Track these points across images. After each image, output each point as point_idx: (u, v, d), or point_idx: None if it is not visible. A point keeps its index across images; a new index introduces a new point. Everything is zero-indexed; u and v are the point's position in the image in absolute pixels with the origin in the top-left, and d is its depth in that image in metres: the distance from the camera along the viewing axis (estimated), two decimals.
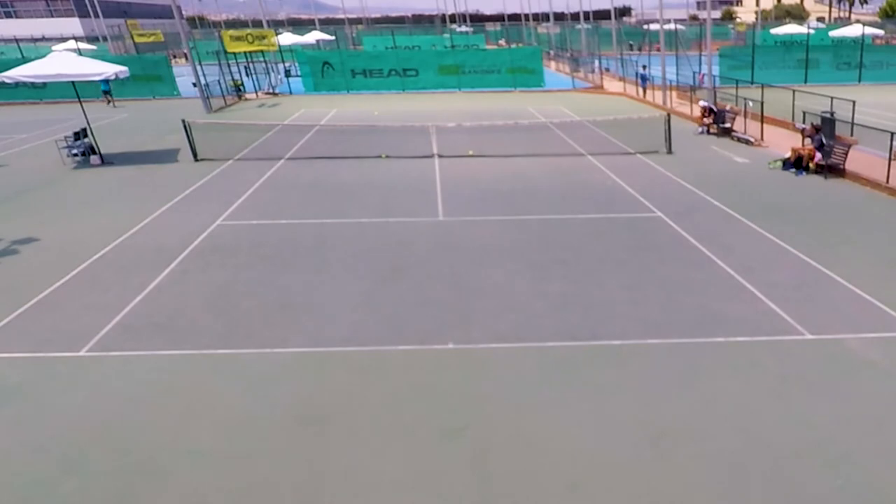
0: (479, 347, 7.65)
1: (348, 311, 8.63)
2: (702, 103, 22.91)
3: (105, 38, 58.28)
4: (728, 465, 5.63)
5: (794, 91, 20.97)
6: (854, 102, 18.60)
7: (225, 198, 14.08)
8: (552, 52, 52.13)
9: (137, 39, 56.44)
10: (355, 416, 6.39)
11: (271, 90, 35.54)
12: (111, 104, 30.10)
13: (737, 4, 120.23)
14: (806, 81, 31.93)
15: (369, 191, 14.69)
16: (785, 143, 17.23)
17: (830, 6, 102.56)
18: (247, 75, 35.67)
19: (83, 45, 46.71)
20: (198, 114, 25.06)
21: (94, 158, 17.73)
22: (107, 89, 29.62)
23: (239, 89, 33.53)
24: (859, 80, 33.24)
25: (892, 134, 14.56)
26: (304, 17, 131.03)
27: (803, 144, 16.21)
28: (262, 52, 35.49)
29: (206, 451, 5.88)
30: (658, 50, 30.83)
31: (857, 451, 5.82)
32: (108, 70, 17.84)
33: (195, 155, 17.91)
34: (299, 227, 12.15)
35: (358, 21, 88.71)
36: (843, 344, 7.66)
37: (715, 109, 21.83)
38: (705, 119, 21.70)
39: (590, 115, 22.85)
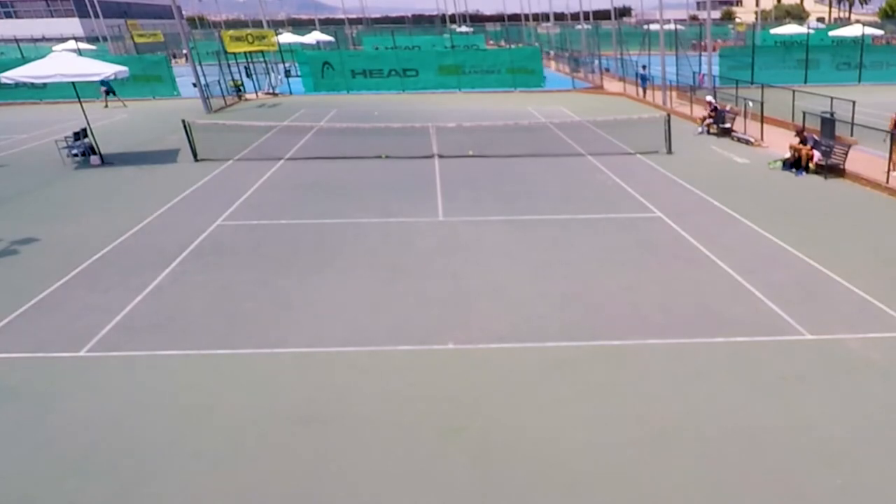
0: (479, 347, 7.65)
1: (348, 311, 8.63)
2: (708, 98, 22.92)
3: (105, 39, 58.29)
4: (728, 465, 5.63)
5: (794, 91, 20.96)
6: (854, 102, 18.60)
7: (225, 198, 14.07)
8: (552, 53, 52.12)
9: (137, 40, 56.42)
10: (355, 416, 6.39)
11: (271, 90, 35.52)
12: (109, 105, 30.00)
13: (736, 5, 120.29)
14: (806, 81, 31.91)
15: (369, 191, 14.69)
16: (785, 143, 17.22)
17: (830, 6, 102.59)
18: (247, 75, 35.63)
19: (83, 46, 46.72)
20: (198, 114, 25.05)
21: (94, 159, 17.72)
22: (108, 88, 29.49)
23: (239, 89, 33.50)
24: (859, 81, 33.22)
25: (893, 134, 14.56)
26: (304, 17, 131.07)
27: (802, 144, 16.20)
28: (262, 52, 35.47)
29: (206, 451, 5.88)
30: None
31: (857, 450, 5.82)
32: (108, 70, 17.84)
33: (195, 155, 17.90)
34: (299, 227, 12.15)
35: (358, 21, 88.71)
36: (843, 344, 7.66)
37: (718, 107, 21.84)
38: (709, 113, 21.67)
39: (590, 115, 22.86)
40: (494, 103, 29.81)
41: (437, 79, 35.45)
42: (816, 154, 15.79)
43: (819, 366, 7.23)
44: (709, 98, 23.03)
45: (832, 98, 19.09)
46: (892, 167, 14.38)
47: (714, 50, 32.86)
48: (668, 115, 19.11)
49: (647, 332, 7.95)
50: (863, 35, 39.37)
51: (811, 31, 47.35)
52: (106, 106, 29.62)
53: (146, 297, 9.04)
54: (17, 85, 23.92)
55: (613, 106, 28.58)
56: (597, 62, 37.80)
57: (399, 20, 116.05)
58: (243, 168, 17.14)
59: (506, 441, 5.98)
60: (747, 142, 19.80)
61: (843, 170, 15.47)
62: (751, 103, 21.12)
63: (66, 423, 6.27)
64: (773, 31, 52.46)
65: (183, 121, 18.33)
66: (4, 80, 17.13)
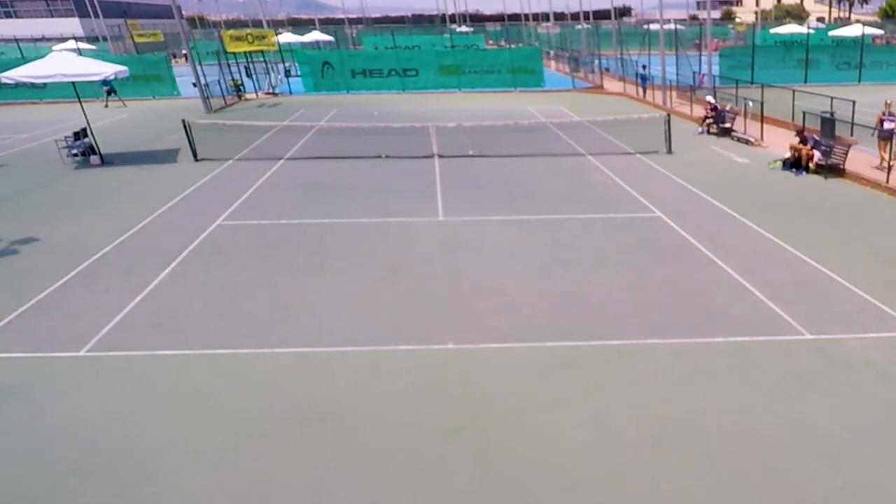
0: (479, 347, 7.65)
1: (348, 311, 8.63)
2: (708, 98, 22.93)
3: (105, 38, 58.27)
4: (728, 465, 5.63)
5: (794, 91, 20.96)
6: (854, 102, 18.60)
7: (225, 198, 14.07)
8: (552, 53, 52.14)
9: (137, 39, 56.40)
10: (355, 416, 6.39)
11: (271, 90, 35.52)
12: (112, 105, 30.01)
13: (736, 4, 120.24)
14: (806, 81, 31.89)
15: (369, 191, 14.68)
16: (785, 143, 17.24)
17: (830, 6, 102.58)
18: (247, 75, 35.63)
19: (83, 45, 46.70)
20: (198, 114, 25.06)
21: (93, 158, 17.72)
22: (110, 88, 29.44)
23: (239, 89, 33.50)
24: (859, 80, 33.21)
25: (893, 134, 14.56)
26: (303, 17, 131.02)
27: (802, 144, 16.21)
28: (262, 52, 35.48)
29: (206, 451, 5.88)
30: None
31: (857, 450, 5.82)
32: (108, 70, 17.85)
33: (195, 155, 17.91)
34: (299, 227, 12.15)
35: (358, 21, 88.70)
36: (843, 344, 7.66)
37: (718, 107, 21.84)
38: (709, 113, 21.66)
39: (590, 115, 22.85)
40: (494, 103, 29.80)
41: (437, 79, 35.43)
42: (816, 154, 15.79)
43: (819, 366, 7.24)
44: (709, 98, 23.04)
45: (832, 98, 19.07)
46: (891, 163, 14.37)
47: (714, 50, 32.86)
48: (668, 115, 19.11)
49: (647, 332, 7.95)
50: (863, 35, 39.35)
51: (811, 31, 47.32)
52: (106, 106, 29.63)
53: (146, 296, 9.04)
54: (17, 85, 23.93)
55: (613, 106, 28.57)
56: (597, 62, 37.79)
57: (399, 20, 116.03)
58: (243, 168, 17.14)
59: (506, 441, 5.99)
60: (747, 142, 19.81)
61: (843, 170, 15.47)
62: (751, 103, 21.12)
63: (67, 423, 6.27)
64: (773, 30, 52.46)
65: (183, 120, 18.33)
66: (4, 80, 17.13)
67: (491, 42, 70.83)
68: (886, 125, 15.41)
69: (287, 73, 39.78)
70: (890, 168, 14.42)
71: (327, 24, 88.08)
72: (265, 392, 6.79)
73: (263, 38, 34.22)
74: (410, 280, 9.65)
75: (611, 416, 6.34)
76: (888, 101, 15.65)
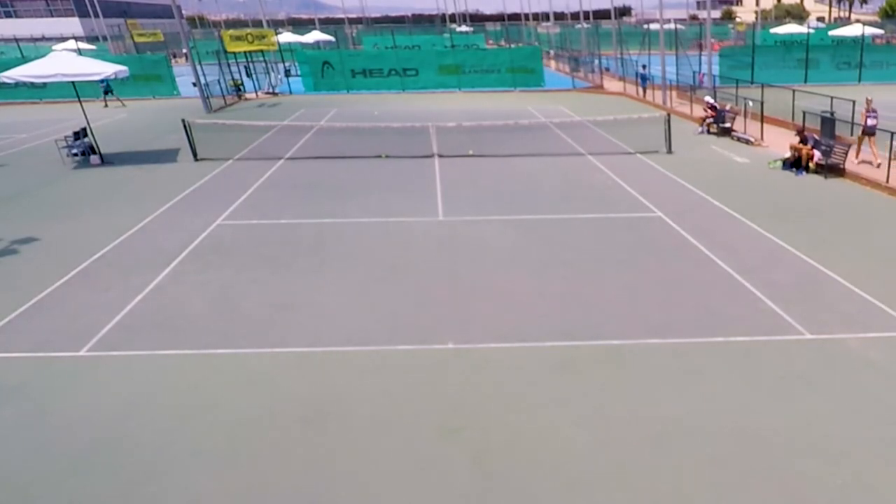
0: (479, 347, 7.65)
1: (348, 311, 8.63)
2: (707, 98, 22.92)
3: (105, 38, 58.28)
4: (728, 465, 5.63)
5: (794, 91, 20.95)
6: (854, 102, 18.57)
7: (225, 198, 14.07)
8: (552, 52, 52.13)
9: (137, 39, 56.46)
10: (355, 416, 6.39)
11: (271, 90, 35.53)
12: (111, 104, 30.02)
13: (737, 4, 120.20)
14: (806, 81, 31.91)
15: (369, 191, 14.68)
16: (785, 142, 17.25)
17: (830, 6, 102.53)
18: (247, 75, 35.65)
19: (83, 45, 46.70)
20: (197, 114, 25.06)
21: (93, 158, 17.73)
22: (107, 88, 29.49)
23: (239, 89, 33.51)
24: (859, 80, 33.20)
25: (892, 134, 14.57)
26: (303, 16, 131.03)
27: (802, 143, 16.21)
28: (261, 51, 35.49)
29: (206, 451, 5.88)
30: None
31: (857, 450, 5.82)
32: (108, 70, 17.85)
33: (195, 155, 17.91)
34: (299, 227, 12.15)
35: (358, 21, 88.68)
36: (843, 344, 7.66)
37: (717, 107, 21.84)
38: (709, 113, 21.65)
39: (590, 115, 22.82)
40: (494, 103, 29.80)
41: (437, 78, 35.44)
42: (816, 154, 15.80)
43: (819, 366, 7.24)
44: (707, 98, 23.03)
45: (832, 98, 19.06)
46: (873, 158, 14.52)
47: (714, 50, 32.85)
48: (668, 115, 19.11)
49: (647, 332, 7.95)
50: (863, 35, 39.35)
51: (811, 31, 47.35)
52: (105, 105, 29.64)
53: (146, 296, 9.04)
54: (17, 85, 23.97)
55: (613, 105, 28.56)
56: (597, 62, 37.78)
57: (399, 20, 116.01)
58: (243, 168, 17.14)
59: (506, 441, 5.98)
60: (747, 141, 19.81)
61: (843, 169, 15.48)
62: (751, 103, 21.12)
63: (67, 422, 6.28)
64: (773, 30, 52.44)
65: (183, 120, 18.33)
66: (4, 80, 17.13)
67: (491, 42, 70.87)
68: (870, 122, 15.62)
69: (287, 73, 39.78)
70: (870, 162, 14.55)
71: (327, 23, 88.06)
72: (265, 392, 6.79)
73: (263, 37, 34.22)
74: (410, 280, 9.65)
75: (611, 416, 6.34)
76: (869, 99, 15.93)
